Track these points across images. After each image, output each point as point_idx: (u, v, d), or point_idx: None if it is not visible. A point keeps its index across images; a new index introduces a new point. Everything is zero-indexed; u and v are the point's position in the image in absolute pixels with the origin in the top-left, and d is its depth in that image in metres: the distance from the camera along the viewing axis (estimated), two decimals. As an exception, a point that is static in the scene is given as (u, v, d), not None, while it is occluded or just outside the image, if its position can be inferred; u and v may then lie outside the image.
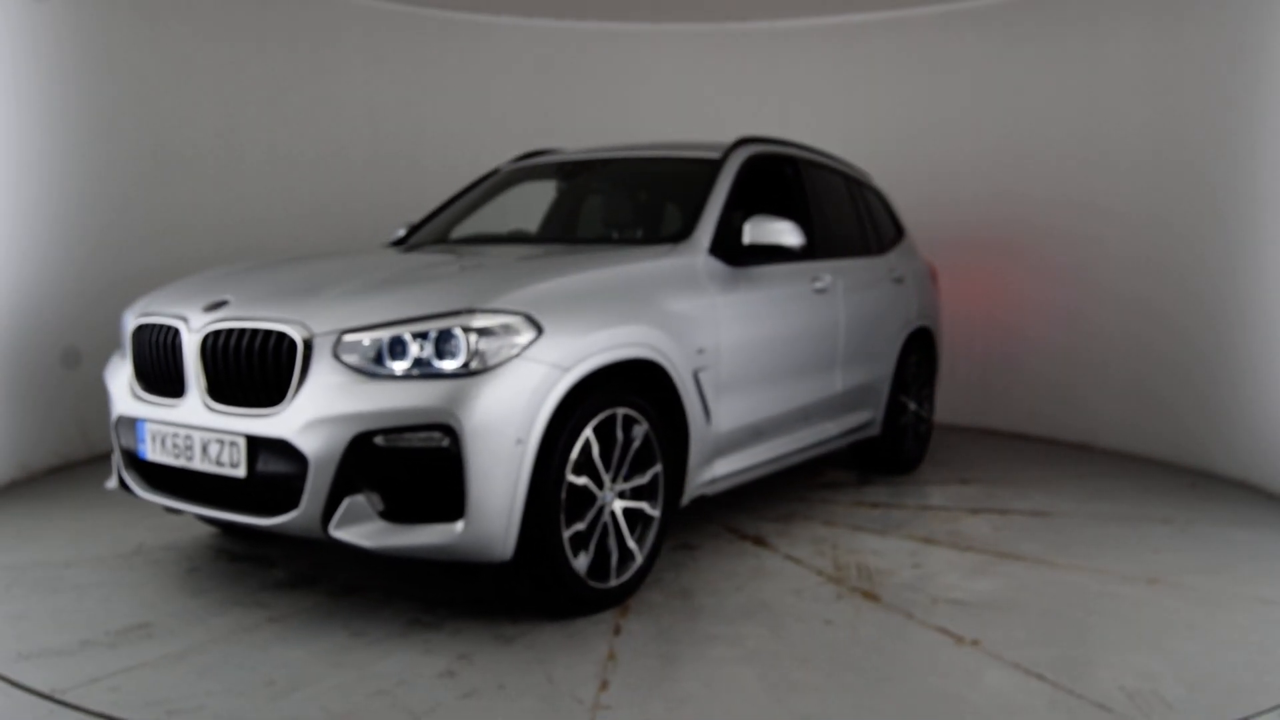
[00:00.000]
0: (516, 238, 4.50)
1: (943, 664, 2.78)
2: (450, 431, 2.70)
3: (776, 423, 4.07)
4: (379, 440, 2.73)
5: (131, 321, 3.25)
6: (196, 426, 2.93)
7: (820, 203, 4.74)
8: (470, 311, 2.81)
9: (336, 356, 2.79)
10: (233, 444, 2.85)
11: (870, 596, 3.33)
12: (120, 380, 3.27)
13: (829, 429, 4.53)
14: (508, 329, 2.83)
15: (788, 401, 4.12)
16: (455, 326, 2.78)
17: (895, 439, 5.17)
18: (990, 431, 6.57)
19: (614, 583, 3.15)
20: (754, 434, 3.92)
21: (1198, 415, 5.45)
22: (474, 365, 2.77)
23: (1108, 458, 5.77)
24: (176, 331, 3.03)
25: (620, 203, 4.60)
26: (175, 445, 2.99)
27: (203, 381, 2.95)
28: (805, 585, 3.44)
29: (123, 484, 3.26)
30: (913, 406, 5.37)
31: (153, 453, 3.06)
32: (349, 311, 2.85)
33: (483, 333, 2.79)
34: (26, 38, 4.64)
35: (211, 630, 2.92)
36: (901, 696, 2.58)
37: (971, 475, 5.27)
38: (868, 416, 4.90)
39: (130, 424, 3.15)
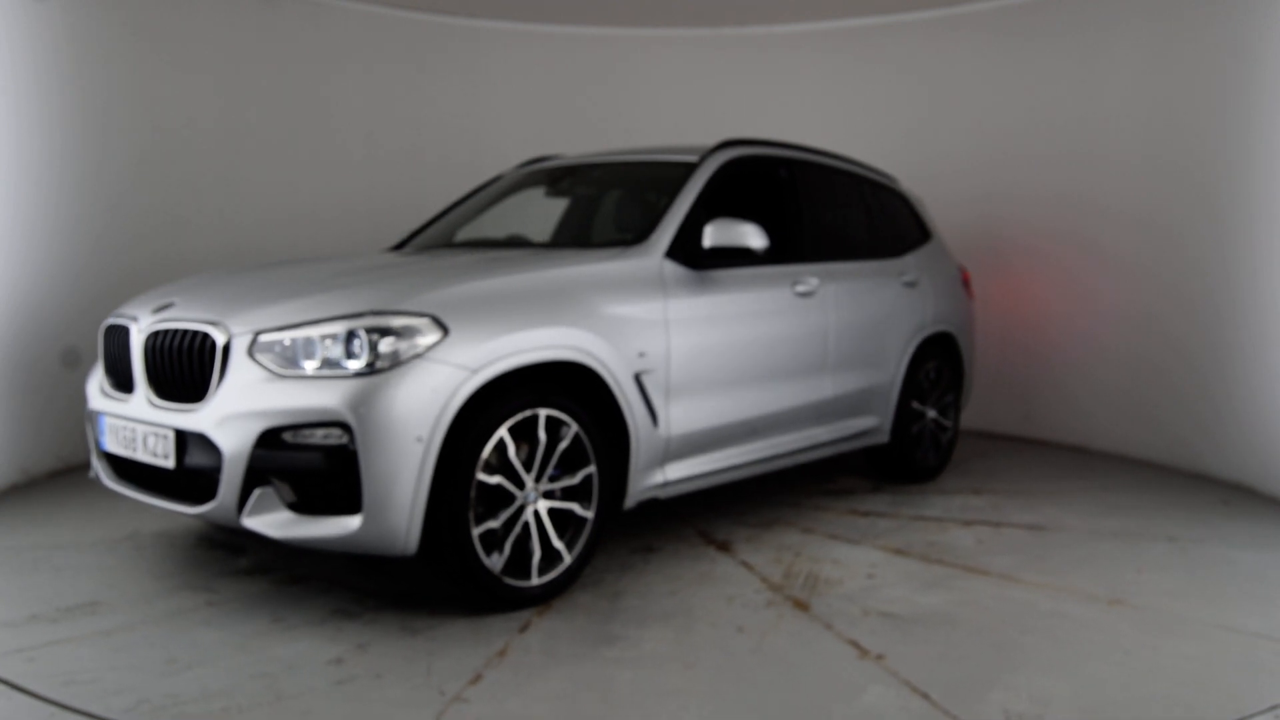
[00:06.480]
0: (514, 242, 4.60)
1: (832, 677, 2.71)
2: (347, 428, 2.81)
3: (747, 427, 4.01)
4: (287, 436, 2.88)
5: (104, 322, 3.52)
6: (140, 420, 3.15)
7: (817, 205, 4.65)
8: (375, 313, 2.92)
9: (252, 356, 2.95)
10: (164, 437, 3.05)
11: (801, 606, 3.26)
12: (95, 378, 3.54)
13: (818, 434, 4.43)
14: (411, 330, 2.92)
15: (760, 406, 4.05)
16: (359, 328, 2.90)
17: (907, 447, 5.00)
18: (1029, 440, 6.34)
19: (535, 582, 3.19)
20: (718, 438, 3.88)
21: (1194, 417, 5.37)
22: (378, 365, 2.88)
23: (1148, 471, 5.43)
24: (128, 331, 3.27)
25: (605, 206, 4.64)
26: (124, 437, 3.22)
27: (146, 378, 3.17)
28: (742, 592, 3.39)
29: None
30: (931, 414, 5.19)
31: (110, 444, 3.30)
32: (266, 313, 3.01)
33: (385, 333, 2.90)
34: (25, 37, 4.69)
35: (150, 611, 3.12)
36: (768, 707, 2.53)
37: (988, 486, 5.05)
38: (871, 423, 4.76)
39: (95, 417, 3.41)
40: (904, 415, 4.95)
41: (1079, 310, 6.12)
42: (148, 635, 2.92)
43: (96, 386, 3.48)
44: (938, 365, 5.22)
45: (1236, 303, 5.08)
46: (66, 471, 4.95)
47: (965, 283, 5.62)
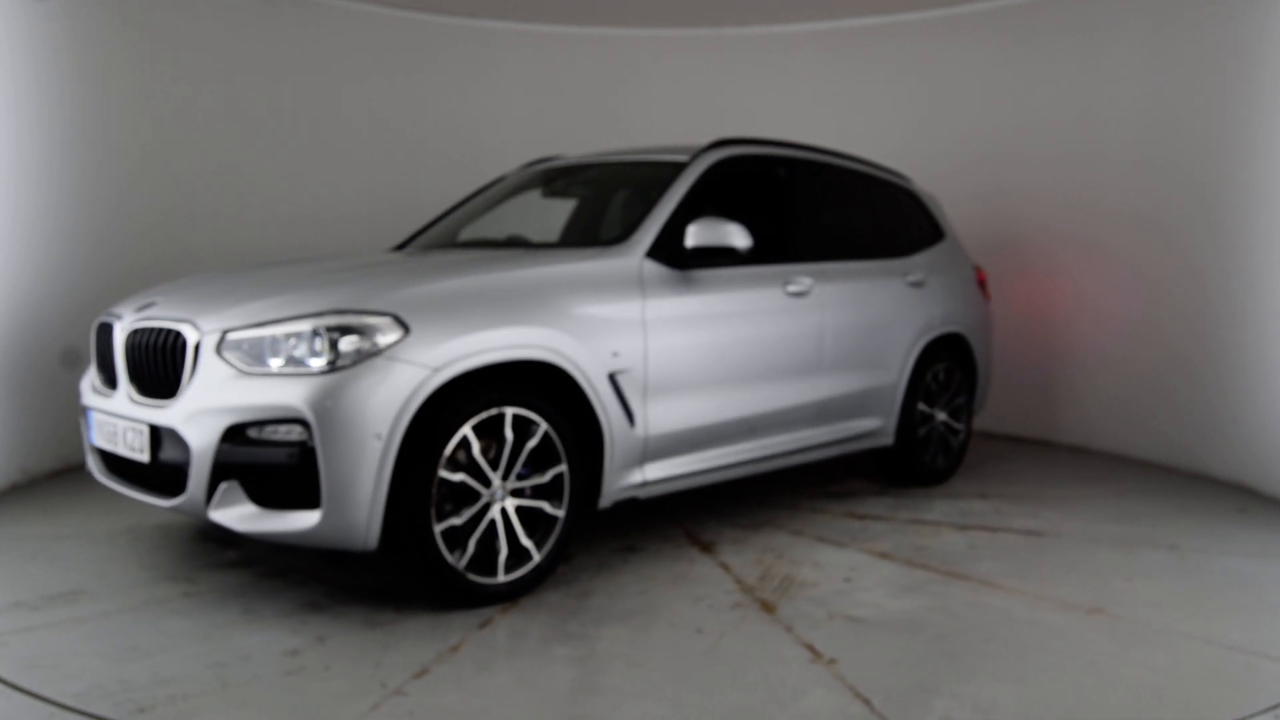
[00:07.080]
0: (514, 243, 4.63)
1: (777, 680, 2.68)
2: (306, 425, 2.87)
3: (734, 427, 3.98)
4: (251, 432, 2.95)
5: (96, 320, 3.64)
6: (120, 415, 3.26)
7: (815, 205, 4.61)
8: (336, 312, 2.98)
9: (220, 354, 3.03)
10: (140, 431, 3.15)
11: (768, 608, 3.23)
12: (88, 375, 3.67)
13: (814, 436, 4.38)
14: (371, 329, 2.97)
15: (748, 406, 4.02)
16: (321, 327, 2.95)
17: (914, 449, 4.92)
18: (1032, 441, 6.29)
19: (502, 579, 3.22)
20: (702, 438, 3.86)
21: (1194, 416, 5.33)
22: (339, 364, 2.93)
23: (1166, 475, 5.26)
24: (112, 329, 3.38)
25: (609, 206, 4.66)
26: (108, 432, 3.33)
27: (127, 375, 3.28)
28: (711, 593, 3.38)
29: (95, 467, 3.66)
30: (941, 417, 5.09)
31: (97, 439, 3.42)
32: (236, 313, 3.08)
33: (345, 332, 2.95)
34: (25, 38, 4.70)
35: (129, 600, 3.22)
36: (702, 708, 2.51)
37: (997, 490, 4.94)
38: (873, 425, 4.69)
39: (86, 413, 3.53)
40: (910, 417, 4.87)
41: (1078, 310, 6.05)
42: (120, 623, 3.02)
43: (88, 383, 3.60)
44: (948, 367, 5.12)
45: (1236, 302, 4.99)
46: (66, 471, 4.99)
47: (981, 283, 5.51)
